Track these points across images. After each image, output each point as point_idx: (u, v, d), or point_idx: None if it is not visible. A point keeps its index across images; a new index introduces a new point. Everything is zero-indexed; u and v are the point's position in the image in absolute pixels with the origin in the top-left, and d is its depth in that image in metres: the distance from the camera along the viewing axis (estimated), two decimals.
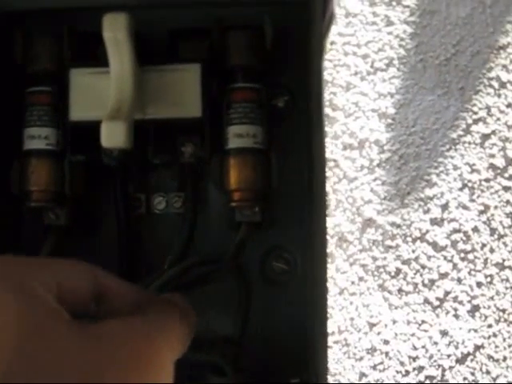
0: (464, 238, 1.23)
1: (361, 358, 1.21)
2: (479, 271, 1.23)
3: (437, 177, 1.25)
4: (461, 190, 1.25)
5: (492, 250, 1.23)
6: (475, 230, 1.24)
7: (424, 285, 1.22)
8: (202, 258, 0.45)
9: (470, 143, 1.26)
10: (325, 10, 0.42)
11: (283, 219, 0.47)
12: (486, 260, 1.23)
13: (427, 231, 1.23)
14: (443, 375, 1.20)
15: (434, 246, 1.23)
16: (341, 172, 1.25)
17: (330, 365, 1.17)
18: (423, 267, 1.23)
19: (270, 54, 0.45)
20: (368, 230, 1.23)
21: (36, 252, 0.45)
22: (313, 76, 0.43)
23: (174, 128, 0.44)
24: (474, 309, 1.22)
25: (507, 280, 1.23)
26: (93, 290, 0.34)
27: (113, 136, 0.38)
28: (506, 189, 1.25)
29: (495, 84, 1.28)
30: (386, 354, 1.21)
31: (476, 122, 1.27)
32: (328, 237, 0.44)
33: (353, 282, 1.22)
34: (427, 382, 1.20)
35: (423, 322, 1.21)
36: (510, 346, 1.21)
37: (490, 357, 1.21)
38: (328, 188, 1.21)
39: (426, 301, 1.22)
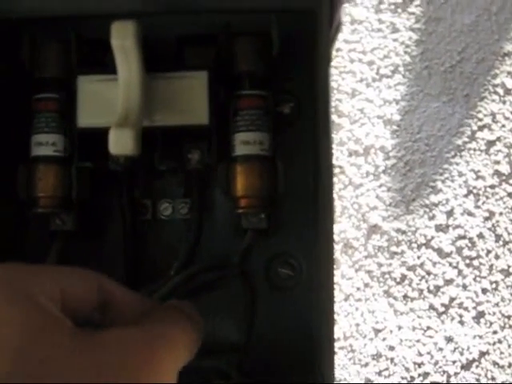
0: (469, 245, 1.23)
1: (366, 364, 1.21)
2: (484, 277, 1.23)
3: (442, 183, 1.25)
4: (466, 196, 1.25)
5: (497, 257, 1.23)
6: (480, 236, 1.24)
7: (429, 291, 1.22)
8: (208, 265, 0.45)
9: (475, 150, 1.26)
10: (332, 18, 0.43)
11: (289, 225, 0.47)
12: (491, 266, 1.23)
13: (432, 237, 1.23)
14: (448, 381, 1.20)
15: (439, 252, 1.23)
16: (346, 178, 1.25)
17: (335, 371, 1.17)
18: (428, 273, 1.23)
19: (276, 61, 0.45)
20: (373, 236, 1.23)
21: (42, 258, 0.45)
22: (320, 83, 0.44)
23: (180, 135, 0.44)
24: (479, 315, 1.22)
25: None
26: (97, 298, 0.34)
27: (121, 143, 0.38)
28: (510, 195, 1.25)
29: (500, 91, 1.28)
30: (392, 360, 1.21)
31: (481, 128, 1.27)
32: None
33: (358, 288, 1.22)
34: None
35: (428, 328, 1.21)
36: None
37: (495, 363, 1.20)
38: (333, 194, 1.21)
39: (432, 307, 1.22)
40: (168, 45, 0.46)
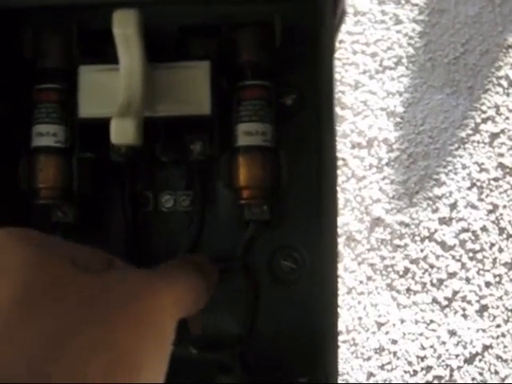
0: (473, 238, 1.23)
1: (369, 358, 1.21)
2: (488, 271, 1.22)
3: (445, 176, 1.24)
4: (469, 189, 1.24)
5: (501, 250, 1.23)
6: (484, 229, 1.23)
7: (432, 284, 1.22)
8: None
9: (478, 142, 1.26)
10: (335, 7, 0.42)
11: (292, 218, 0.46)
12: (494, 259, 1.22)
13: (436, 230, 1.23)
14: (451, 375, 1.20)
15: (443, 245, 1.23)
16: (349, 171, 1.24)
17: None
18: (431, 266, 1.22)
19: (279, 52, 0.45)
20: (376, 229, 1.23)
21: None
22: (323, 74, 0.43)
23: (182, 126, 0.44)
24: (483, 308, 1.21)
25: None
26: (106, 264, 0.34)
27: (123, 133, 0.38)
28: None
29: (504, 83, 1.28)
30: (394, 353, 1.20)
31: (485, 120, 1.26)
32: None
33: (361, 282, 1.22)
34: (435, 381, 1.20)
35: (431, 321, 1.21)
36: None
37: (498, 357, 1.20)
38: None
39: (435, 300, 1.21)
40: (170, 35, 0.45)
